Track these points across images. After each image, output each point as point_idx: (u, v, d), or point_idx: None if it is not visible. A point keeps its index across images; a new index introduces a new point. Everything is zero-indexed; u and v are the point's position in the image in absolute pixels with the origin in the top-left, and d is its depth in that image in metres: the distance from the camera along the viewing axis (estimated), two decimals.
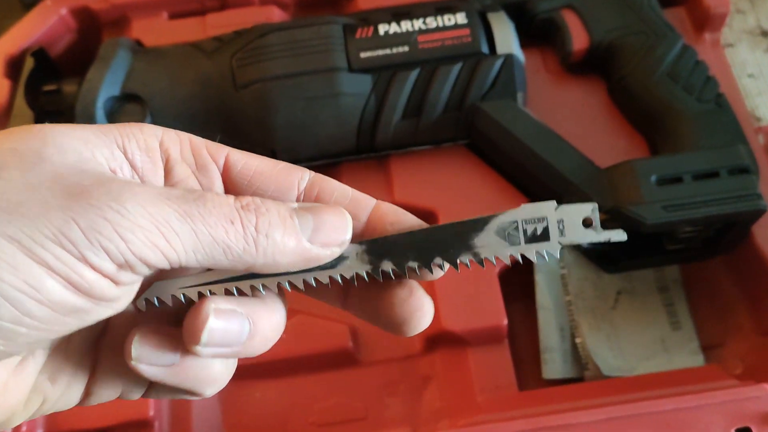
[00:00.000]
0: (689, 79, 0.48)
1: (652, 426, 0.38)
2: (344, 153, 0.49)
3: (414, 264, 0.25)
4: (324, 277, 0.25)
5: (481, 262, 0.25)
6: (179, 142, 0.25)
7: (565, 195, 0.45)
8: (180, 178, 0.25)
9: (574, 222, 0.25)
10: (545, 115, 0.49)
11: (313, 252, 0.24)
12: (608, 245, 0.47)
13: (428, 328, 0.46)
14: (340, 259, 0.25)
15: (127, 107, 0.46)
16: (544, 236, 0.25)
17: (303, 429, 0.46)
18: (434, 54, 0.47)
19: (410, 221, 0.26)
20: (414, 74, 0.47)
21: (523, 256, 0.25)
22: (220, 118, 0.46)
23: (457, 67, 0.47)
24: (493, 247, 0.25)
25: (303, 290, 0.26)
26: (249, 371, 0.47)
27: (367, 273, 0.25)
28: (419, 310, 0.25)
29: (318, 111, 0.46)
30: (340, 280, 0.25)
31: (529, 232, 0.25)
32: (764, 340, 0.46)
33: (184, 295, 0.24)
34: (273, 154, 0.48)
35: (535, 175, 0.46)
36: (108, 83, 0.45)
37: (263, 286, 0.25)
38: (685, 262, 0.49)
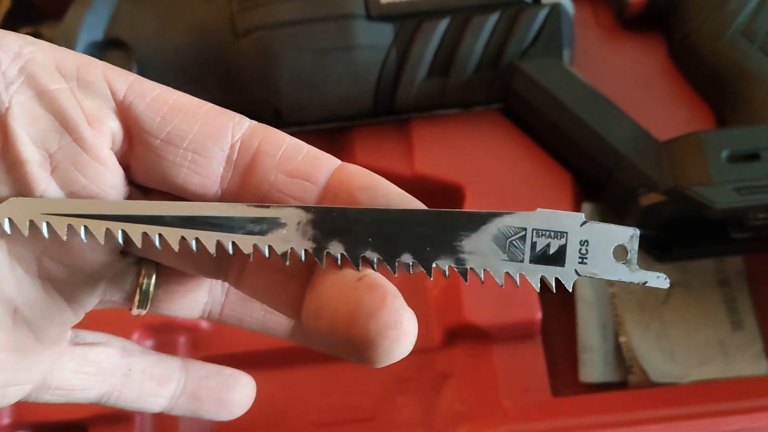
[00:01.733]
0: (767, 38, 0.41)
1: None
2: (359, 115, 0.43)
3: (372, 255, 0.19)
4: (247, 244, 0.19)
5: (464, 273, 0.19)
6: (55, 55, 0.20)
7: (615, 171, 0.39)
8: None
9: (603, 247, 0.19)
10: (595, 77, 0.42)
11: None
12: (661, 231, 0.41)
13: (449, 318, 0.41)
14: (274, 224, 0.19)
15: (111, 55, 0.40)
16: (558, 258, 0.19)
17: (301, 428, 0.41)
18: (467, 1, 0.40)
19: (388, 192, 0.20)
20: (443, 24, 0.40)
21: (522, 278, 0.19)
22: (216, 71, 0.40)
23: (493, 18, 0.40)
24: (486, 258, 0.19)
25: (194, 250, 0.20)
26: (241, 361, 0.41)
27: (307, 252, 0.19)
28: (393, 328, 0.18)
29: (329, 66, 0.40)
30: (266, 253, 0.19)
31: (539, 247, 0.19)
32: None
33: (48, 224, 0.19)
34: (277, 114, 0.42)
35: (581, 147, 0.40)
36: (89, 26, 0.39)
37: (160, 236, 0.19)
38: (750, 253, 0.42)
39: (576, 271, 0.19)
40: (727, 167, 0.36)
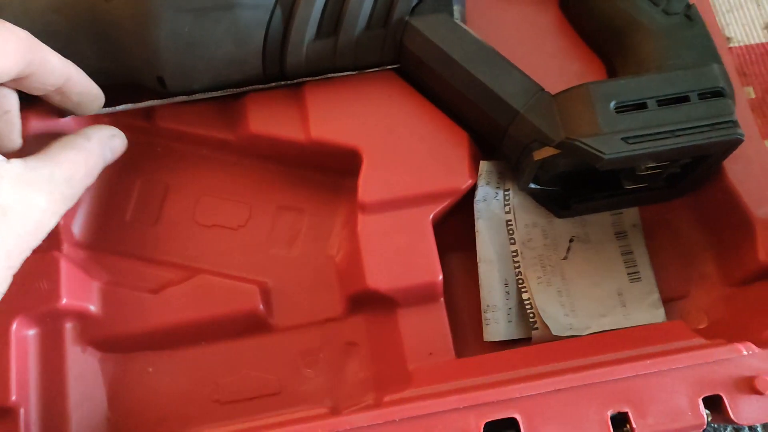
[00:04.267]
0: None
1: (607, 397, 0.32)
2: (250, 81, 0.41)
3: None
4: None
5: None
6: None
7: (509, 127, 0.38)
8: None
9: None
10: (487, 33, 0.41)
11: None
12: (558, 185, 0.41)
13: (351, 286, 0.40)
14: None
15: None
16: None
17: (204, 408, 0.39)
18: None
19: None
20: None
21: None
22: (90, 35, 0.38)
23: None
24: None
25: None
26: (138, 341, 0.39)
27: None
28: None
29: (210, 26, 0.37)
30: None
31: None
32: (732, 290, 0.41)
33: None
34: (161, 82, 0.40)
35: (474, 104, 0.39)
36: None
37: None
38: (645, 204, 0.43)
39: None
40: (615, 117, 0.36)
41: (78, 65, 0.38)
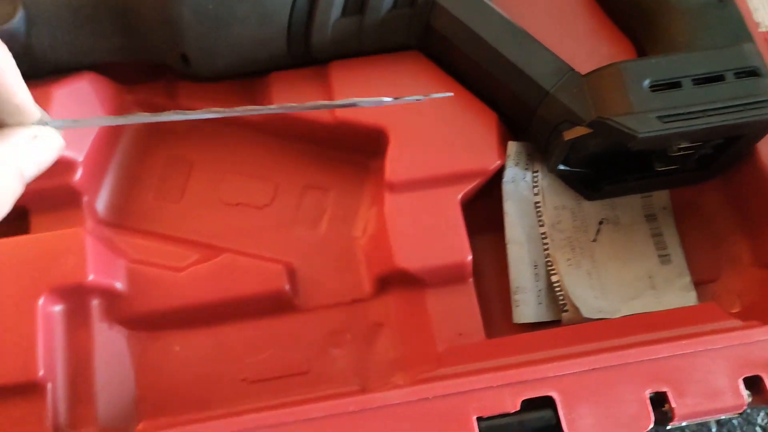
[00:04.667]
0: None
1: (645, 377, 0.32)
2: (274, 61, 0.41)
3: None
4: None
5: None
6: None
7: (539, 107, 0.38)
8: None
9: None
10: (514, 13, 0.41)
11: None
12: (588, 167, 0.41)
13: (378, 266, 0.40)
14: None
15: None
16: None
17: (232, 387, 0.39)
18: None
19: None
20: None
21: None
22: (113, 11, 0.37)
23: None
24: None
25: None
26: (164, 319, 0.39)
27: None
28: None
29: (235, 4, 0.37)
30: None
31: None
32: (765, 273, 0.40)
33: None
34: (184, 60, 0.39)
35: (503, 84, 0.39)
36: None
37: None
38: (676, 186, 0.42)
39: None
40: (648, 96, 0.35)
41: (98, 43, 0.38)
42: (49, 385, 0.36)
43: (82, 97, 0.39)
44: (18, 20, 0.36)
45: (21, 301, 0.36)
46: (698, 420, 0.32)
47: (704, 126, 0.35)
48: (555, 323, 0.40)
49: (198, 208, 0.42)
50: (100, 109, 0.40)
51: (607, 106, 0.36)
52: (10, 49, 0.34)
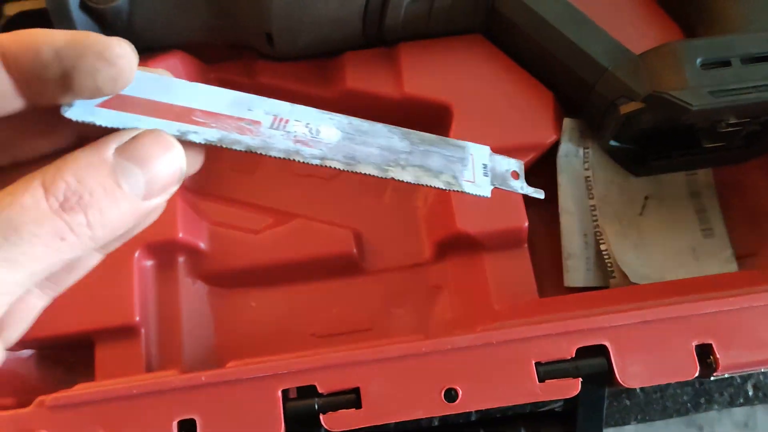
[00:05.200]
0: None
1: (692, 329, 0.34)
2: (348, 42, 0.44)
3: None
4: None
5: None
6: None
7: (597, 84, 0.41)
8: None
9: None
10: None
11: (151, 206, 0.23)
12: (637, 143, 0.43)
13: (440, 231, 0.43)
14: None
15: None
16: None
17: (302, 340, 0.42)
18: None
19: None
20: None
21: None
22: None
23: None
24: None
25: None
26: (242, 277, 0.43)
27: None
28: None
29: None
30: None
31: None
32: None
33: None
34: (269, 39, 0.43)
35: (563, 62, 0.42)
36: None
37: None
38: (720, 165, 0.45)
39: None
40: (701, 73, 0.38)
41: (190, 19, 0.41)
42: (143, 330, 0.39)
43: (175, 74, 0.43)
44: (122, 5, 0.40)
45: (120, 254, 0.39)
46: (740, 372, 0.34)
47: (754, 101, 0.37)
48: (604, 288, 0.43)
49: (271, 179, 0.46)
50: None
51: (663, 82, 0.38)
52: (114, 25, 0.38)
